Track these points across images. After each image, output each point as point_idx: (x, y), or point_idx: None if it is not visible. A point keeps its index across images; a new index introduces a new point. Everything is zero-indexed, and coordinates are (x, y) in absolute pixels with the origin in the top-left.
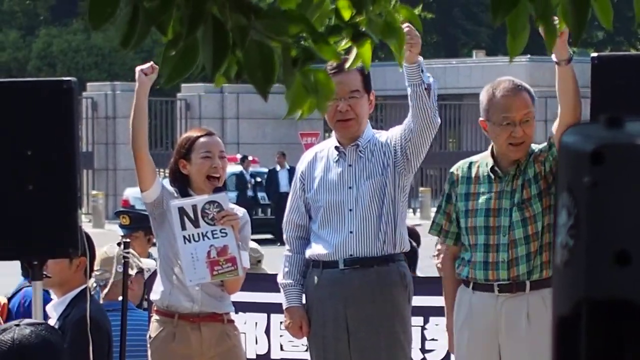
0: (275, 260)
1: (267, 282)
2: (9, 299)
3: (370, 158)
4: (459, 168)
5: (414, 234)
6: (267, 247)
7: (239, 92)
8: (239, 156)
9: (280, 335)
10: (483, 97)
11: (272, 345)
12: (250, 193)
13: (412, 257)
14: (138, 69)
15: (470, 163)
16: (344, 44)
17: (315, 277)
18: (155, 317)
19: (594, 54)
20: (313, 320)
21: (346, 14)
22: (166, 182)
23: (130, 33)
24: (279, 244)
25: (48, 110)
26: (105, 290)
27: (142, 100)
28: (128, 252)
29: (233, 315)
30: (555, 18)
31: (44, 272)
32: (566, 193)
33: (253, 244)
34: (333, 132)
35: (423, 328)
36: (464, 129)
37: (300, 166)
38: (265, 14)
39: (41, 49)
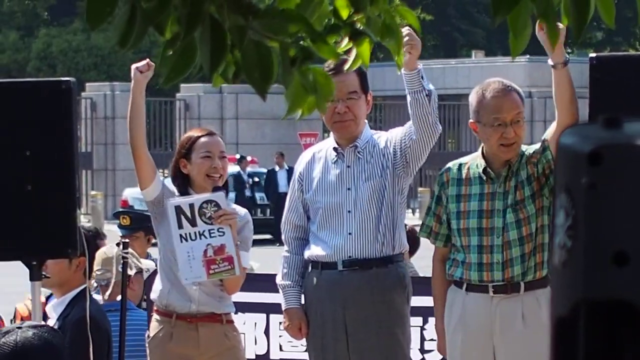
0: (275, 260)
1: (267, 283)
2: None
3: (369, 159)
4: (448, 169)
5: (412, 235)
6: (266, 247)
7: (238, 92)
8: (237, 156)
9: (280, 336)
10: (472, 99)
11: (272, 345)
12: (248, 193)
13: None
14: (134, 66)
15: (460, 164)
16: (344, 45)
17: (314, 278)
18: (155, 316)
19: (593, 55)
20: (312, 321)
21: (344, 13)
22: (168, 181)
23: (127, 33)
24: (277, 244)
25: (47, 111)
26: (109, 291)
27: (139, 98)
28: (127, 253)
29: (233, 316)
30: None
31: (43, 273)
32: (564, 194)
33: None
34: (331, 132)
35: (422, 328)
36: (463, 130)
37: (299, 167)
38: (263, 13)
39: (41, 50)
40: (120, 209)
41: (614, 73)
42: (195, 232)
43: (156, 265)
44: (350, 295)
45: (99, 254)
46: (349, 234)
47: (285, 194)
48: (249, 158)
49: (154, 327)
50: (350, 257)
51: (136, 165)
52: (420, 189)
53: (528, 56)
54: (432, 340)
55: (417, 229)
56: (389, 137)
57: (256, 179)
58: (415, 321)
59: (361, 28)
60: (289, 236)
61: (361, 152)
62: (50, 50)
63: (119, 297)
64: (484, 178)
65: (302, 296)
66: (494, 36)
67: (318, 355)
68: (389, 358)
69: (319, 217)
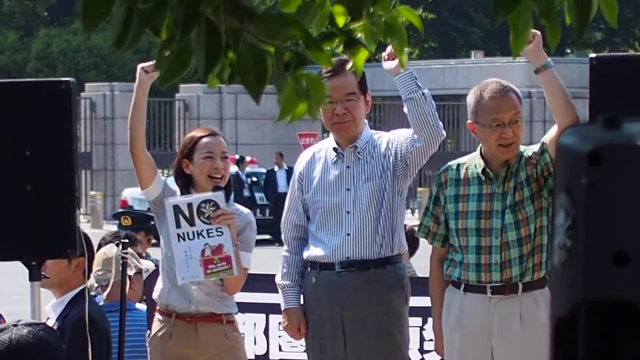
0: (274, 261)
1: (266, 283)
2: None
3: (369, 160)
4: (446, 170)
5: (412, 235)
6: (265, 247)
7: (237, 92)
8: (236, 157)
9: (279, 336)
10: (470, 100)
11: (271, 345)
12: (246, 193)
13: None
14: (140, 66)
15: (459, 165)
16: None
17: (313, 279)
18: (156, 315)
19: (593, 55)
20: (310, 321)
21: (340, 21)
22: (170, 181)
23: (124, 34)
24: (277, 244)
25: (46, 111)
26: (107, 291)
27: (141, 98)
28: (126, 253)
29: (234, 316)
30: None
31: (43, 273)
32: (564, 194)
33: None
34: (331, 132)
35: (421, 329)
36: (462, 130)
37: (298, 167)
38: (259, 17)
39: (41, 50)
40: (121, 210)
41: (614, 73)
42: (193, 232)
43: (156, 266)
44: (348, 296)
45: (99, 255)
46: (348, 234)
47: (285, 194)
48: (248, 158)
49: (155, 326)
50: (348, 258)
51: (135, 165)
52: (419, 189)
53: None
54: (431, 340)
55: (416, 229)
56: (391, 139)
57: (254, 179)
58: (415, 321)
59: (357, 37)
60: (289, 236)
61: (361, 152)
62: (50, 50)
63: (119, 298)
64: (483, 178)
65: (301, 296)
66: (492, 36)
67: (316, 356)
68: (387, 359)
69: (318, 217)
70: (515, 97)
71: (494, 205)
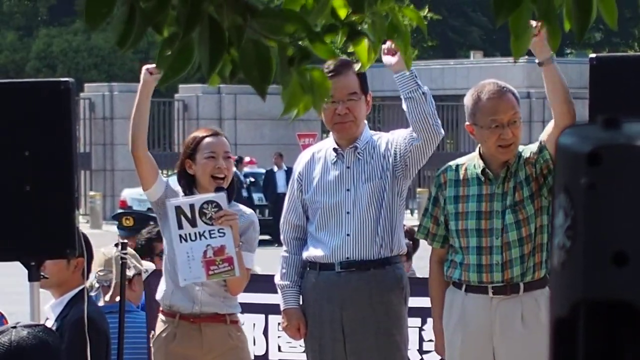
0: (273, 261)
1: (265, 283)
2: None
3: (369, 160)
4: (445, 171)
5: (411, 235)
6: (264, 248)
7: (237, 92)
8: (236, 157)
9: (278, 337)
10: (468, 101)
11: (270, 346)
12: (245, 194)
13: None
14: (145, 67)
15: (457, 165)
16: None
17: (312, 279)
18: (160, 316)
19: (593, 55)
20: (310, 322)
21: (342, 13)
22: (173, 181)
23: (126, 33)
24: (276, 245)
25: (46, 111)
26: (110, 292)
27: (145, 100)
28: (126, 254)
29: (238, 316)
30: (533, 22)
31: (42, 273)
32: (563, 194)
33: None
34: (331, 133)
35: (421, 329)
36: (461, 130)
37: (298, 167)
38: (261, 13)
39: (41, 50)
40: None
41: (614, 73)
42: (195, 233)
43: (156, 266)
44: (348, 296)
45: (100, 255)
46: (347, 235)
47: (284, 194)
48: (247, 159)
49: (159, 327)
50: (347, 258)
51: (137, 167)
52: (419, 189)
53: (527, 57)
54: (430, 341)
55: (416, 229)
56: (390, 140)
57: (252, 179)
58: (414, 322)
59: (359, 28)
60: (288, 236)
61: (361, 153)
62: (51, 50)
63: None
64: (482, 179)
65: (301, 297)
66: (492, 37)
67: (316, 356)
68: (387, 359)
69: (318, 217)
70: (513, 97)
71: (494, 205)
